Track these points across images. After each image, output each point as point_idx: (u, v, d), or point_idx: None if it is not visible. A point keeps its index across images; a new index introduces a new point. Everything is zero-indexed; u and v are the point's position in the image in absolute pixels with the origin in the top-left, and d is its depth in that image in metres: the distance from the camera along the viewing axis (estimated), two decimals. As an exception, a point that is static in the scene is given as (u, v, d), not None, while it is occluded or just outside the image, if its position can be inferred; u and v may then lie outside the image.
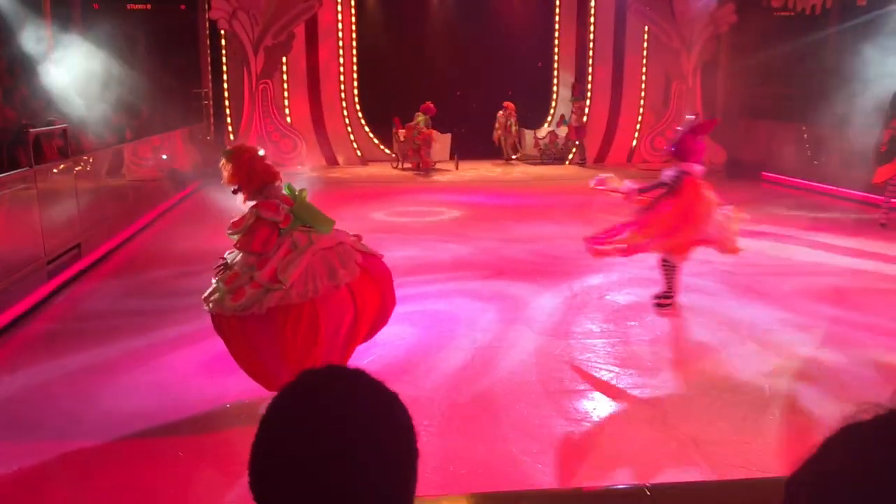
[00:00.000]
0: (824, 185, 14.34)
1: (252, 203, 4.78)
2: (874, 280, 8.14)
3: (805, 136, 15.82)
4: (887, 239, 10.09)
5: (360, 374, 1.11)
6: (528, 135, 19.17)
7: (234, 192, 4.88)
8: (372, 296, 4.81)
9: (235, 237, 4.75)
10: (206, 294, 4.73)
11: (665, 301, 6.51)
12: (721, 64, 18.13)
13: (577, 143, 18.37)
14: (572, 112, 18.34)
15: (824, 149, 15.18)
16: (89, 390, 5.27)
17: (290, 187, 4.92)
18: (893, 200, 10.92)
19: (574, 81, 19.18)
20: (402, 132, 17.46)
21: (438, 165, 17.73)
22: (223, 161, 4.85)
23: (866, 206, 12.80)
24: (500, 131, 18.81)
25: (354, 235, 5.04)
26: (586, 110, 18.39)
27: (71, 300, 7.70)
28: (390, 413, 1.09)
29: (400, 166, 17.73)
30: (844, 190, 13.70)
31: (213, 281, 4.76)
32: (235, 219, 4.80)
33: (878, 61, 16.48)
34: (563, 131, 18.84)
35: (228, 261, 4.80)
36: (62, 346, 6.17)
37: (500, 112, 18.62)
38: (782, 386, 5.23)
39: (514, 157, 18.94)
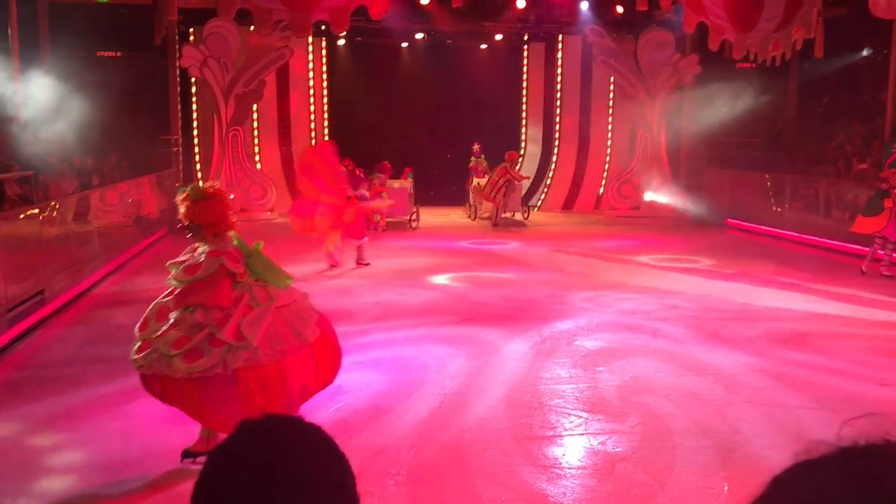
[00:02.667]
0: (787, 232, 14.62)
1: (206, 250, 4.53)
2: (836, 324, 8.27)
3: (768, 184, 16.17)
4: (847, 284, 10.28)
5: (298, 423, 1.13)
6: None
7: (187, 231, 4.67)
8: (327, 354, 4.74)
9: (182, 284, 4.44)
10: (134, 352, 4.40)
11: None
12: (685, 114, 18.56)
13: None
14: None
15: (787, 196, 15.51)
16: (53, 439, 5.15)
17: (238, 240, 4.75)
18: (880, 252, 10.90)
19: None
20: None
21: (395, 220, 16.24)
22: (191, 196, 4.60)
23: (827, 251, 13.07)
24: (500, 188, 16.34)
25: (302, 293, 4.93)
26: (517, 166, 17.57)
27: (33, 347, 7.55)
28: (328, 462, 1.10)
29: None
30: (806, 236, 13.98)
31: (138, 335, 4.45)
32: (188, 263, 4.52)
33: (832, 110, 16.99)
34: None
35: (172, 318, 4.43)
36: (24, 395, 6.03)
37: (503, 165, 16.43)
38: (749, 430, 5.27)
39: (522, 217, 17.09)
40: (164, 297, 4.58)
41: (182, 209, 4.61)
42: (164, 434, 5.17)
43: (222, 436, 4.68)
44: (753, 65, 16.12)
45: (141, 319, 4.56)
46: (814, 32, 12.23)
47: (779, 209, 15.66)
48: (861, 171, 14.52)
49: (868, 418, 0.94)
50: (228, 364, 4.27)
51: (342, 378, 6.21)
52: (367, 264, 11.47)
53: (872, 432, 0.93)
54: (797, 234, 14.28)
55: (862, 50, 18.00)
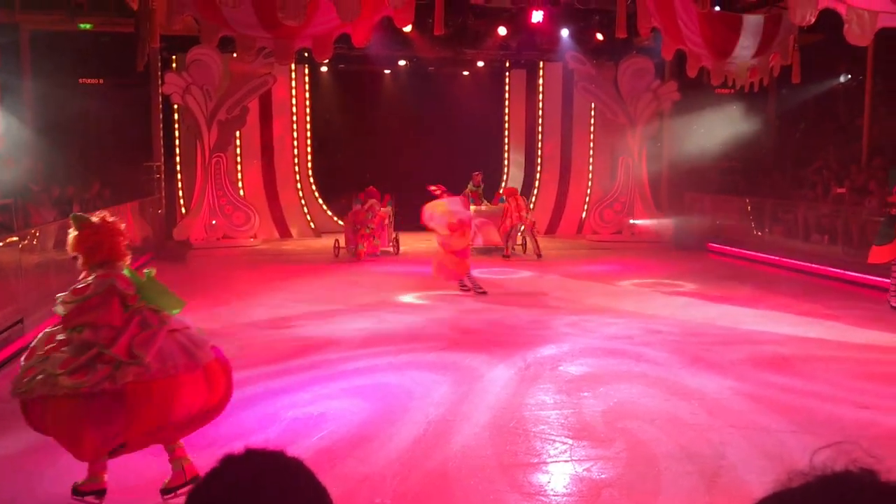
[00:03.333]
0: (768, 256, 14.75)
1: (94, 274, 4.45)
2: (817, 347, 8.32)
3: (749, 208, 16.34)
4: (828, 307, 10.36)
5: (279, 457, 1.13)
6: None
7: (75, 259, 4.57)
8: (220, 379, 4.60)
9: (71, 305, 4.35)
10: (17, 381, 4.29)
11: None
12: (666, 139, 18.76)
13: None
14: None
15: (767, 220, 15.67)
16: (29, 472, 5.08)
17: (130, 271, 4.63)
18: None
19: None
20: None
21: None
22: (76, 225, 4.53)
23: (807, 275, 13.19)
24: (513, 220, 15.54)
25: (197, 328, 4.76)
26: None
27: (12, 377, 7.44)
28: (309, 496, 1.11)
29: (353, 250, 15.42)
30: (787, 260, 14.11)
31: (24, 364, 4.33)
32: (75, 287, 4.44)
33: (812, 135, 17.23)
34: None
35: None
36: (2, 427, 5.94)
37: (510, 201, 15.76)
38: (733, 455, 5.28)
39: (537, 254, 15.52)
40: (52, 327, 4.49)
41: (69, 239, 4.54)
42: (138, 466, 5.10)
43: (193, 465, 4.64)
44: (732, 91, 16.34)
45: (27, 350, 4.45)
46: (790, 59, 12.44)
47: (759, 233, 15.82)
48: (839, 194, 14.70)
49: (839, 446, 0.96)
50: (118, 379, 4.14)
51: (326, 406, 6.21)
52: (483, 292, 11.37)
53: (843, 459, 0.95)
54: (778, 258, 14.41)
55: (839, 76, 18.31)
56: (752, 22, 12.34)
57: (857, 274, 12.31)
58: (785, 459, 5.12)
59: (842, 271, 12.71)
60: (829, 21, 9.11)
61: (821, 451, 0.97)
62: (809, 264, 13.50)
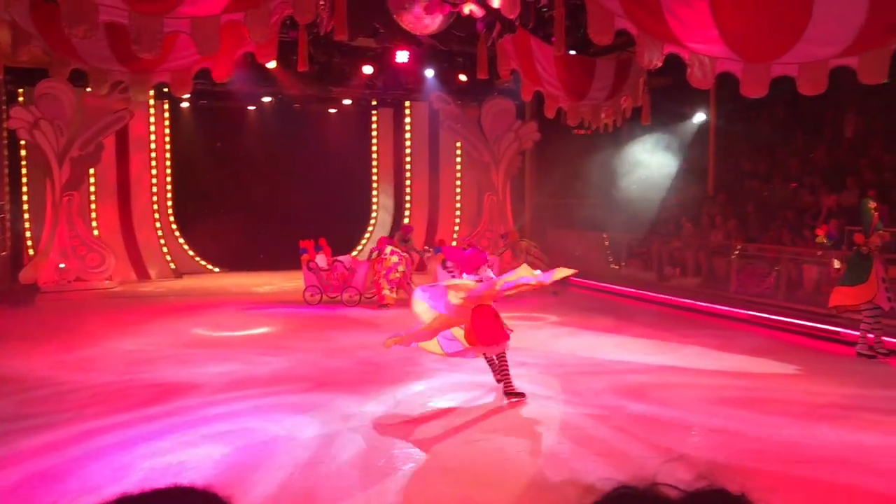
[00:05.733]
0: (625, 289, 15.40)
1: None
2: (673, 374, 8.71)
3: (606, 243, 17.05)
4: (683, 336, 10.89)
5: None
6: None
7: None
8: None
9: None
10: None
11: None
12: (528, 177, 19.37)
13: None
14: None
15: (624, 255, 16.39)
16: None
17: None
18: (870, 335, 9.35)
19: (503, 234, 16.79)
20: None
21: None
22: None
23: (662, 306, 13.86)
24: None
25: None
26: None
27: None
28: None
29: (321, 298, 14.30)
30: (643, 292, 14.79)
31: None
32: None
33: (663, 173, 18.25)
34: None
35: None
36: None
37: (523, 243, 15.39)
38: (599, 485, 5.40)
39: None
40: None
41: None
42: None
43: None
44: (589, 132, 17.09)
45: None
46: (641, 101, 13.16)
47: (616, 267, 16.52)
48: (687, 228, 15.62)
49: (681, 460, 1.02)
50: None
51: (186, 454, 5.91)
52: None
53: (685, 476, 1.00)
54: (634, 290, 15.08)
55: (687, 117, 19.49)
56: (605, 65, 12.99)
57: (707, 304, 13.06)
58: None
59: (693, 301, 13.45)
60: (676, 65, 9.70)
61: (665, 465, 1.01)
62: (664, 296, 14.21)
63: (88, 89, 14.06)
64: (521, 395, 7.53)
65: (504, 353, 7.55)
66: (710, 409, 7.29)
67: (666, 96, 16.15)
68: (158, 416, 6.97)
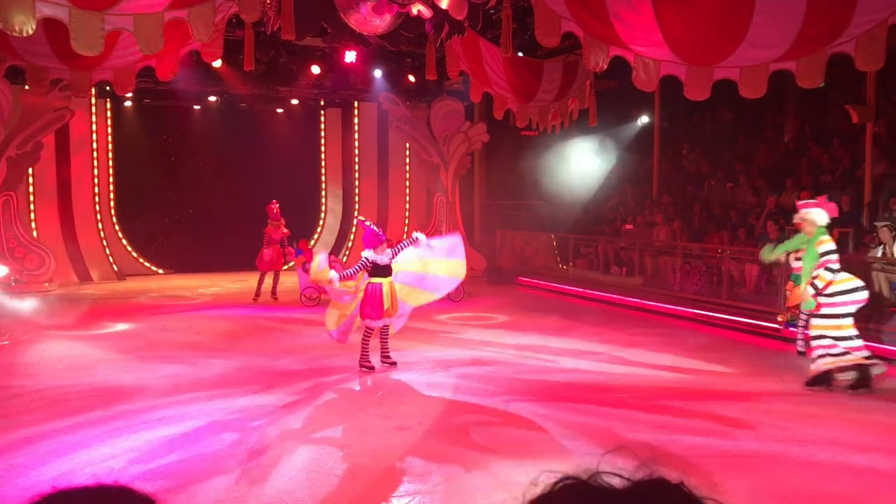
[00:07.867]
0: (572, 288, 15.58)
1: None
2: (620, 373, 8.84)
3: (554, 243, 17.23)
4: (629, 334, 11.07)
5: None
6: None
7: None
8: None
9: None
10: None
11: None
12: (477, 178, 19.46)
13: None
14: None
15: (570, 254, 16.57)
16: None
17: None
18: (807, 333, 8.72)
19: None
20: None
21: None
22: None
23: (608, 304, 14.06)
24: None
25: None
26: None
27: None
28: None
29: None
30: (589, 291, 14.99)
31: None
32: None
33: (609, 174, 18.51)
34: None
35: None
36: None
37: None
38: (543, 478, 5.44)
39: None
40: None
41: None
42: None
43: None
44: (536, 133, 17.26)
45: None
46: (587, 103, 13.34)
47: (564, 267, 16.70)
48: (627, 230, 15.92)
49: (623, 451, 1.04)
50: None
51: (130, 459, 5.79)
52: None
53: (627, 466, 1.03)
54: (581, 290, 15.27)
55: (633, 119, 19.81)
56: (552, 67, 13.13)
57: (652, 303, 13.30)
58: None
59: (639, 300, 13.67)
60: (622, 68, 9.87)
61: (608, 456, 1.04)
62: (610, 295, 14.41)
63: (27, 87, 13.70)
64: (371, 367, 8.75)
65: (374, 329, 8.87)
66: (653, 404, 7.41)
67: (612, 98, 16.42)
68: (100, 420, 6.82)
